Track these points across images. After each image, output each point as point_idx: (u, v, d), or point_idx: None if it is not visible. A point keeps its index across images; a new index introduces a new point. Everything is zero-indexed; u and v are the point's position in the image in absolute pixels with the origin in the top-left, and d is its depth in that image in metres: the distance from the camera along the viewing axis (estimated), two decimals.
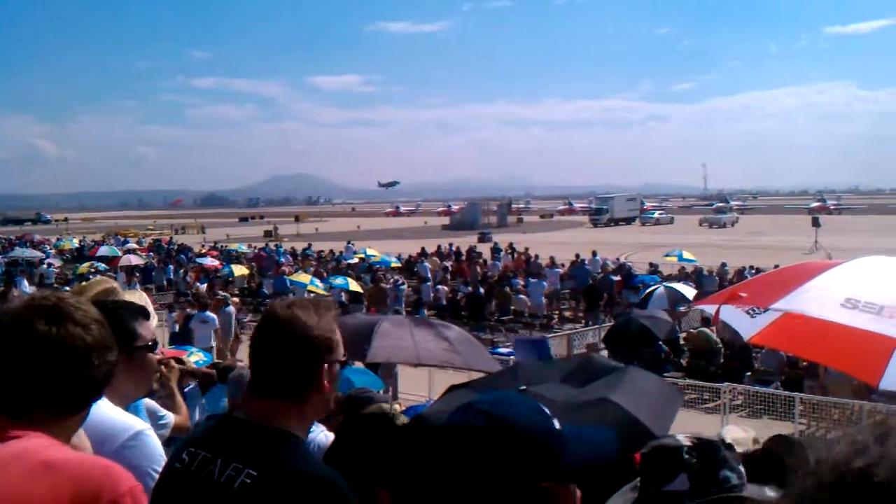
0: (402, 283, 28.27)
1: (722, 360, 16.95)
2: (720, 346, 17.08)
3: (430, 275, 32.29)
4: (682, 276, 27.98)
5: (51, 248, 53.54)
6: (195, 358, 10.06)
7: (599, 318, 24.81)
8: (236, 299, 21.23)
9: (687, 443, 2.14)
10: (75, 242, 57.94)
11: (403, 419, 3.68)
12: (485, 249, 45.20)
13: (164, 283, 34.64)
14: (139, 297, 4.32)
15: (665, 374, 15.20)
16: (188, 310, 19.12)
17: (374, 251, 39.02)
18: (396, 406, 5.37)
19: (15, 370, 1.73)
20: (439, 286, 29.53)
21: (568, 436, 1.59)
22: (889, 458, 0.68)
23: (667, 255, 34.37)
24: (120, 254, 42.65)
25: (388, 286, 26.89)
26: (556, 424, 1.60)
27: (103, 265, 35.63)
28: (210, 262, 37.06)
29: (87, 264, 35.46)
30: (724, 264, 30.90)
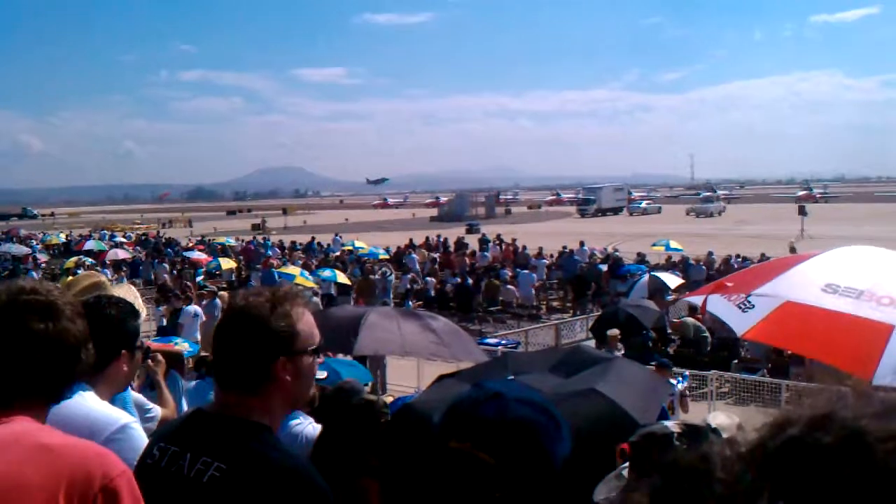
0: (391, 275, 28.24)
1: (709, 349, 17.02)
2: (706, 334, 17.14)
3: (417, 266, 32.29)
4: (670, 266, 28.07)
5: (38, 244, 53.19)
6: (182, 347, 10.04)
7: (587, 307, 24.88)
8: (225, 293, 21.14)
9: (676, 429, 2.15)
10: (62, 237, 57.57)
11: (387, 413, 3.70)
12: (473, 241, 45.21)
13: (152, 277, 34.48)
14: (128, 291, 4.32)
15: (652, 363, 15.27)
16: (175, 304, 19.07)
17: (361, 243, 38.95)
18: (386, 398, 5.38)
19: (7, 365, 1.77)
20: (428, 278, 29.54)
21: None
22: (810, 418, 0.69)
23: (654, 245, 34.44)
24: (107, 248, 42.44)
25: (377, 277, 26.88)
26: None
27: (90, 259, 35.45)
28: (197, 255, 36.91)
29: (74, 259, 35.21)
30: (710, 253, 31.02)
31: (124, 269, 34.55)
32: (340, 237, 45.58)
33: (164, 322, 18.72)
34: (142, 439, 2.51)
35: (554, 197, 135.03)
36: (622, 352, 13.24)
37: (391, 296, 26.10)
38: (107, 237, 56.28)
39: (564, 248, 33.33)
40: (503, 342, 17.77)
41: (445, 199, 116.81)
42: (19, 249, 44.33)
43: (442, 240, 43.56)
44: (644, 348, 15.78)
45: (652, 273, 22.18)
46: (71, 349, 1.83)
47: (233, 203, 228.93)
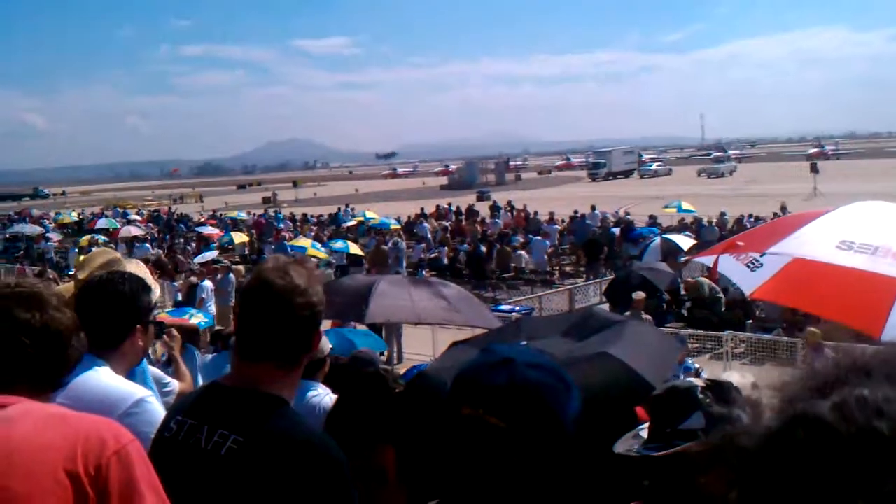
0: (403, 244, 28.27)
1: (724, 309, 16.99)
2: (720, 294, 17.11)
3: (429, 235, 32.31)
4: (682, 227, 27.98)
5: (50, 223, 53.38)
6: (197, 319, 10.11)
7: (600, 272, 24.85)
8: (240, 267, 21.20)
9: (700, 384, 2.16)
10: (74, 216, 57.72)
11: (397, 377, 3.71)
12: (483, 208, 45.13)
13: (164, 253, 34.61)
14: (137, 266, 4.33)
15: (667, 325, 15.29)
16: (192, 279, 19.15)
17: (372, 213, 38.95)
18: (400, 368, 5.40)
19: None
20: (440, 247, 29.54)
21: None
22: (847, 404, 0.67)
23: (666, 207, 34.33)
24: (119, 225, 42.58)
25: (389, 247, 26.92)
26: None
27: (103, 237, 35.60)
28: (209, 230, 37.01)
29: (87, 237, 35.35)
30: (723, 213, 30.90)
31: (137, 245, 34.67)
32: (352, 208, 45.59)
33: (180, 297, 18.80)
34: (158, 413, 2.52)
35: (564, 162, 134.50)
36: (648, 315, 13.20)
37: (404, 265, 26.13)
38: (119, 214, 56.45)
39: (576, 212, 33.22)
40: (517, 308, 17.78)
41: (455, 167, 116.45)
42: (32, 229, 44.50)
43: (454, 208, 43.50)
44: (658, 310, 15.80)
45: (664, 235, 22.13)
46: (58, 336, 1.88)
47: (242, 177, 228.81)
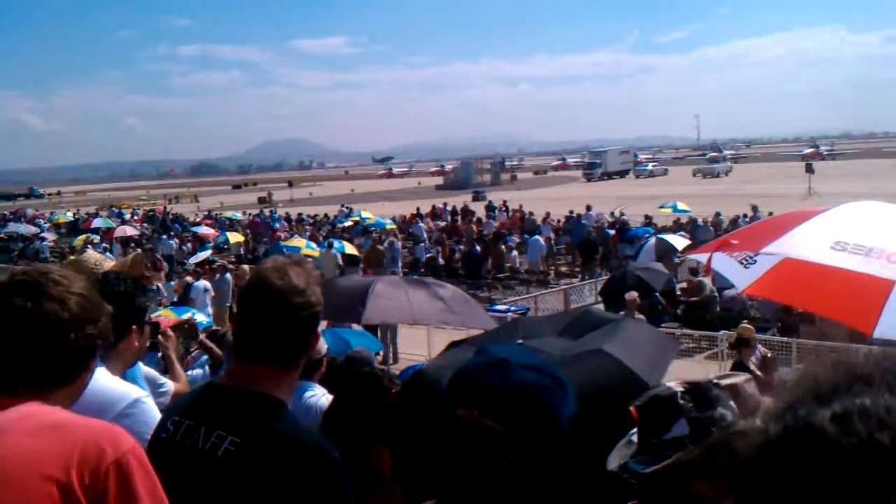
0: (399, 244, 28.26)
1: (718, 309, 17.00)
2: (716, 294, 17.14)
3: (425, 235, 32.31)
4: (678, 228, 28.00)
5: (45, 223, 53.27)
6: (198, 318, 10.11)
7: (595, 272, 24.87)
8: (246, 266, 21.18)
9: (679, 388, 2.14)
10: (69, 216, 57.62)
11: (393, 377, 3.71)
12: (479, 208, 45.15)
13: (160, 253, 34.55)
14: (135, 260, 4.33)
15: (662, 325, 15.30)
16: (187, 279, 19.14)
17: (368, 213, 38.94)
18: (395, 368, 5.40)
19: None
20: (435, 247, 29.56)
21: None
22: (849, 412, 0.67)
23: (661, 207, 34.37)
24: (114, 225, 42.51)
25: (385, 247, 26.91)
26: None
27: (98, 237, 35.54)
28: (205, 230, 36.97)
29: (82, 237, 35.34)
30: (718, 213, 30.93)
31: (132, 245, 34.62)
32: (349, 208, 45.63)
33: (175, 297, 18.79)
34: (154, 413, 2.52)
35: (560, 162, 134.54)
36: (642, 315, 13.20)
37: (399, 265, 26.11)
38: (114, 214, 56.36)
39: (571, 212, 33.28)
40: (512, 308, 17.79)
41: (451, 167, 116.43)
42: (27, 229, 44.43)
43: (449, 208, 43.51)
44: (654, 311, 15.81)
45: (659, 236, 22.15)
46: (54, 328, 1.77)
47: (238, 177, 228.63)
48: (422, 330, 13.33)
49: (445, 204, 45.36)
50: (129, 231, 38.96)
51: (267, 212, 50.26)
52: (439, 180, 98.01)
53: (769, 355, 10.89)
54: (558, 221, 33.51)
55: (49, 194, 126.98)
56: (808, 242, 3.54)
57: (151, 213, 58.41)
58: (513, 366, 1.51)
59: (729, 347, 12.34)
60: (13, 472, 1.55)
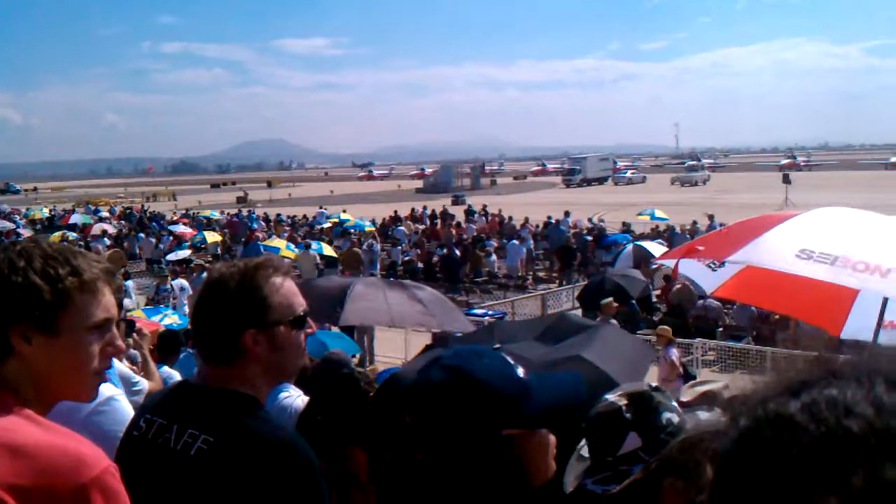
0: (377, 246, 28.27)
1: (692, 318, 17.08)
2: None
3: (405, 238, 32.33)
4: (655, 235, 28.15)
5: (21, 219, 52.81)
6: (169, 321, 10.03)
7: (573, 278, 24.96)
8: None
9: (622, 402, 2.12)
10: (45, 212, 57.19)
11: (370, 380, 3.70)
12: (458, 212, 45.19)
13: (137, 251, 34.35)
14: (113, 258, 4.30)
15: (638, 332, 15.37)
16: (163, 276, 19.07)
17: (348, 215, 38.89)
18: (372, 368, 5.38)
19: None
20: (414, 249, 29.59)
21: (533, 383, 1.60)
22: (815, 404, 0.69)
23: (639, 214, 34.57)
24: (91, 222, 42.21)
25: (364, 249, 26.91)
26: (521, 373, 1.61)
27: (74, 234, 35.27)
28: (182, 229, 36.78)
29: (58, 234, 35.06)
30: (695, 222, 31.13)
31: (107, 242, 34.36)
32: (325, 209, 45.55)
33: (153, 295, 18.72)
34: (127, 411, 2.50)
35: (539, 167, 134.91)
36: (616, 321, 13.25)
37: (378, 268, 26.09)
38: (91, 212, 55.94)
39: (549, 218, 33.42)
40: (490, 313, 17.81)
41: (431, 170, 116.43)
42: (2, 225, 44.00)
43: (428, 212, 43.53)
44: (631, 317, 15.89)
45: (636, 242, 22.27)
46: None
47: (217, 176, 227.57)
48: (398, 332, 13.32)
49: (425, 207, 45.35)
50: (106, 228, 38.69)
51: (245, 212, 50.08)
52: (419, 183, 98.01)
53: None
54: (536, 227, 33.64)
55: (26, 190, 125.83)
56: (774, 251, 3.54)
57: (128, 211, 58.03)
58: (436, 365, 1.57)
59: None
60: None
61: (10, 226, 43.96)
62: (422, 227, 37.54)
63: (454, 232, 33.80)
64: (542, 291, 22.93)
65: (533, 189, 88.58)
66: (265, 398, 2.14)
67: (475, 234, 33.07)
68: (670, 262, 4.60)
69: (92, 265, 1.68)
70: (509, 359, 1.65)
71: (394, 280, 12.18)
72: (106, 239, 34.31)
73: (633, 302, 16.35)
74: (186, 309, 16.39)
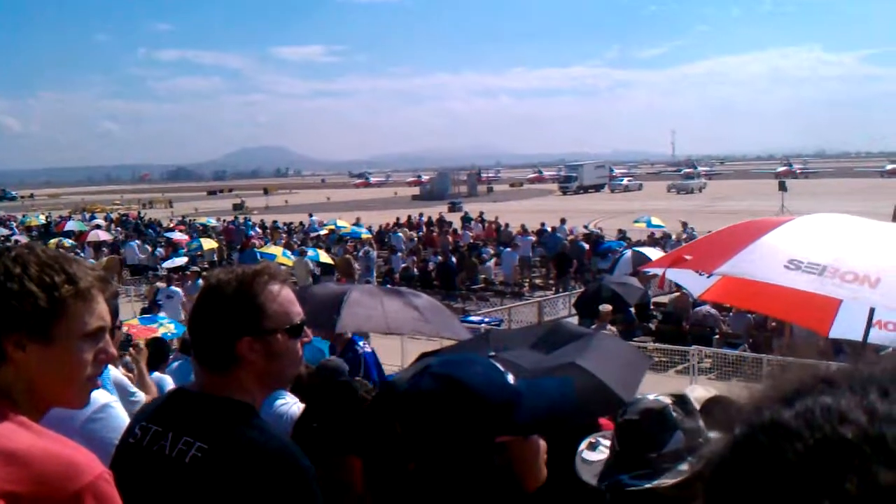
0: (374, 253, 28.27)
1: (688, 326, 17.08)
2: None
3: (403, 246, 32.34)
4: (652, 243, 28.18)
5: (17, 226, 52.73)
6: (164, 330, 10.00)
7: (569, 285, 24.97)
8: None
9: (668, 400, 2.12)
10: (42, 219, 57.08)
11: (368, 388, 3.69)
12: (455, 219, 45.20)
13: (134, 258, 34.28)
14: (108, 265, 4.30)
15: (634, 339, 15.39)
16: (157, 284, 19.05)
17: (344, 222, 38.87)
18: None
19: None
20: (411, 256, 29.59)
21: (525, 390, 1.60)
22: (811, 412, 0.70)
23: (636, 222, 34.62)
24: (87, 229, 42.15)
25: (360, 256, 26.91)
26: (511, 379, 1.61)
27: (70, 241, 35.22)
28: (178, 236, 36.73)
29: (54, 240, 34.97)
30: (691, 229, 31.18)
31: (104, 250, 34.31)
32: (315, 217, 45.59)
33: (147, 303, 18.68)
34: (122, 419, 2.50)
35: (536, 174, 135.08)
36: (614, 327, 13.26)
37: (374, 275, 26.08)
38: (87, 218, 55.88)
39: (543, 225, 33.50)
40: (486, 320, 17.82)
41: (427, 177, 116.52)
42: None
43: (425, 219, 43.54)
44: (628, 324, 15.91)
45: (635, 248, 22.26)
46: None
47: (213, 183, 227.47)
48: (395, 340, 13.30)
49: (421, 214, 45.36)
50: (102, 235, 38.65)
51: (241, 219, 50.06)
52: (416, 190, 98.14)
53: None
54: (533, 234, 33.68)
55: (22, 197, 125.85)
56: (762, 262, 3.49)
57: (125, 218, 57.97)
58: (426, 374, 1.55)
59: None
60: None
61: (6, 232, 43.91)
62: (416, 235, 37.49)
63: (451, 239, 33.81)
64: (539, 298, 22.95)
65: (529, 196, 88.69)
66: (260, 405, 2.14)
67: (471, 241, 33.08)
68: (659, 271, 4.59)
69: (87, 273, 1.67)
70: (499, 366, 1.65)
71: (390, 287, 12.16)
72: (104, 248, 34.23)
73: (630, 309, 16.38)
74: (182, 315, 16.37)
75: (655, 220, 33.64)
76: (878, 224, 3.91)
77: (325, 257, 25.92)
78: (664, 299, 19.14)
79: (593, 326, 12.18)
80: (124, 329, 7.44)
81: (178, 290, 17.82)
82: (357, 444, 3.24)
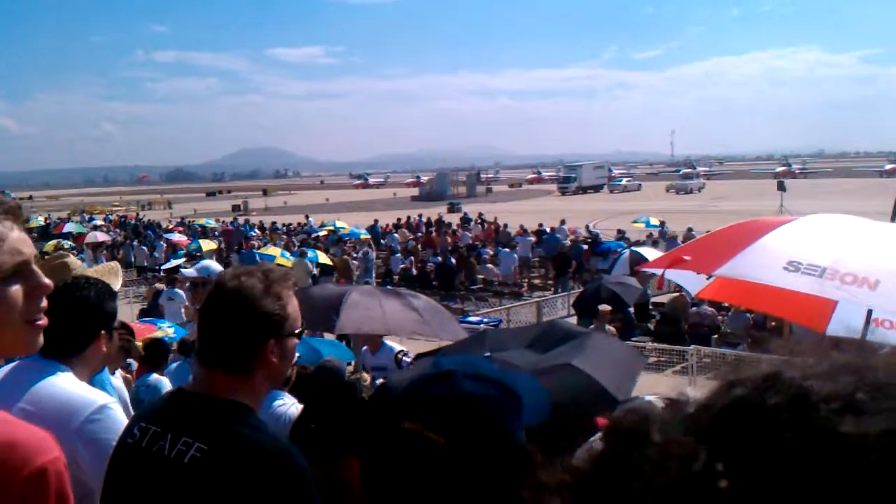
0: (373, 254, 28.24)
1: (687, 326, 17.05)
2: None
3: (399, 246, 32.31)
4: (651, 243, 28.17)
5: None
6: (161, 334, 9.97)
7: (568, 285, 24.95)
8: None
9: (660, 403, 2.13)
10: (41, 220, 57.00)
11: (367, 389, 3.70)
12: (454, 220, 45.18)
13: (131, 259, 34.28)
14: (111, 269, 4.31)
15: (633, 339, 15.38)
16: (157, 285, 19.00)
17: (343, 223, 38.84)
18: (364, 375, 5.38)
19: None
20: (409, 257, 29.56)
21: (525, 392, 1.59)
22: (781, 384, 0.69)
23: (634, 222, 34.61)
24: (86, 231, 42.11)
25: (359, 257, 26.89)
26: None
27: (69, 242, 35.20)
28: (177, 237, 36.70)
29: (53, 242, 34.94)
30: (690, 229, 31.16)
31: (104, 251, 34.29)
32: (311, 219, 45.57)
33: (146, 304, 18.65)
34: (120, 419, 2.50)
35: (535, 175, 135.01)
36: (613, 327, 13.25)
37: (373, 276, 26.05)
38: (86, 220, 55.85)
39: (541, 226, 33.49)
40: (485, 320, 17.80)
41: (426, 178, 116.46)
42: None
43: (424, 220, 43.50)
44: (626, 325, 15.89)
45: (633, 248, 22.25)
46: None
47: (212, 184, 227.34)
48: (394, 341, 13.30)
49: (420, 215, 45.34)
50: (101, 237, 38.62)
51: (241, 220, 50.03)
52: (415, 191, 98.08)
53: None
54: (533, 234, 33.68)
55: (21, 199, 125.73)
56: (761, 264, 3.49)
57: (123, 220, 57.92)
58: (458, 377, 1.49)
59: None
60: None
61: None
62: (412, 236, 37.44)
63: (450, 240, 33.78)
64: (538, 299, 22.93)
65: (529, 197, 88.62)
66: (260, 406, 2.17)
67: (470, 241, 33.06)
68: (657, 271, 4.58)
69: None
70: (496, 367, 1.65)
71: (389, 288, 12.16)
72: (104, 253, 34.20)
73: (629, 310, 16.36)
74: (185, 318, 16.34)
75: (654, 221, 33.66)
76: (877, 225, 3.90)
77: (324, 258, 25.90)
78: (663, 299, 19.11)
79: (592, 326, 12.19)
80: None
81: (181, 292, 17.79)
82: (355, 445, 3.25)
